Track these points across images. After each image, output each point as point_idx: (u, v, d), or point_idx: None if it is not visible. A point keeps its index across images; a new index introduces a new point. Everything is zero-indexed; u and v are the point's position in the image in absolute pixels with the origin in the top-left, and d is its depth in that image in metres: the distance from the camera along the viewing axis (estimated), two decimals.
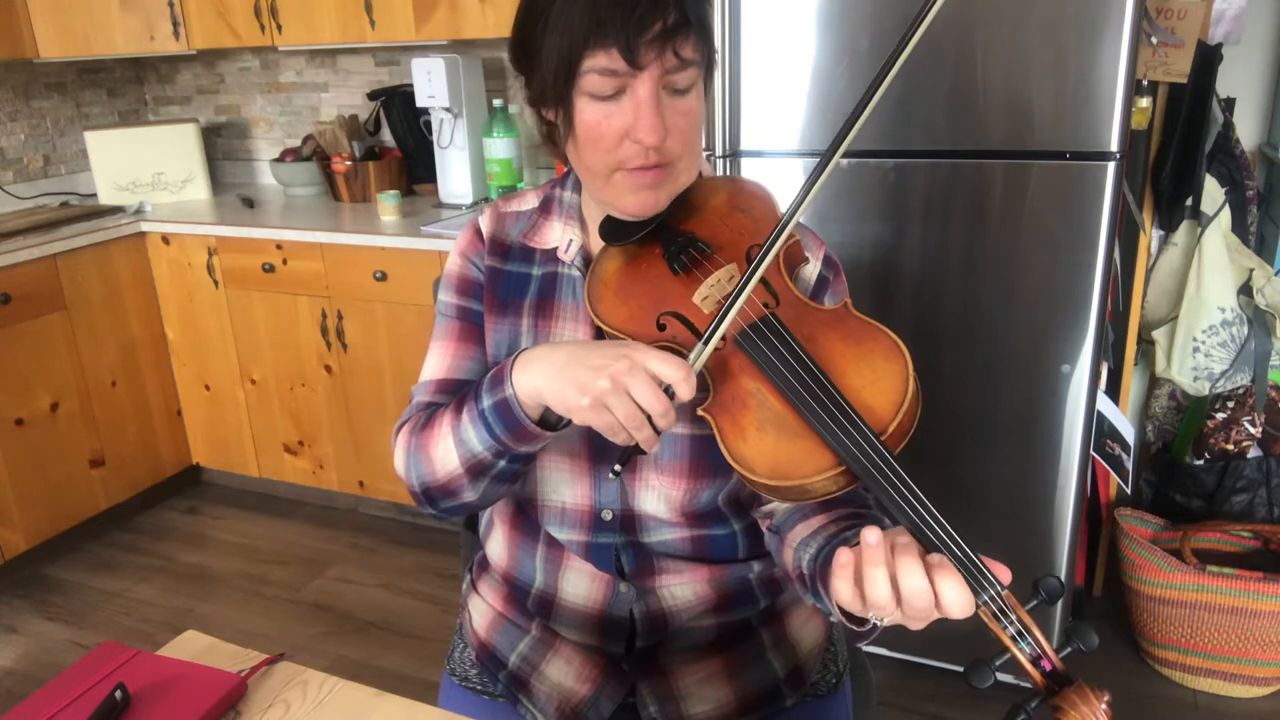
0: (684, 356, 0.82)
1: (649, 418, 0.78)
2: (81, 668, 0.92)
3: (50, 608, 2.58)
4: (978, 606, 0.71)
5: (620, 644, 1.04)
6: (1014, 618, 0.70)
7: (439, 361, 1.04)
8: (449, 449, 0.92)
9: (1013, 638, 0.70)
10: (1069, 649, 0.71)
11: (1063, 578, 1.91)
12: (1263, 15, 2.12)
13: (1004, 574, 0.71)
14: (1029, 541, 1.90)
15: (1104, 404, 2.07)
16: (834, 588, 0.73)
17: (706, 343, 0.82)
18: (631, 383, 0.78)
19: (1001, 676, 0.72)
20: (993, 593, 0.70)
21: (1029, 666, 0.70)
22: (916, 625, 0.73)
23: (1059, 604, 1.93)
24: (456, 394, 0.98)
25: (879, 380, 0.79)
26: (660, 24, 0.82)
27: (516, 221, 1.05)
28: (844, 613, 0.80)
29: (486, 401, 0.88)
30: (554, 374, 0.82)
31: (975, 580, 0.70)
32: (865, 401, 0.78)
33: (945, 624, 0.75)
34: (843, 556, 0.72)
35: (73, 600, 2.61)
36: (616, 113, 0.86)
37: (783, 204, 0.98)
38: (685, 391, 0.78)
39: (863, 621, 0.80)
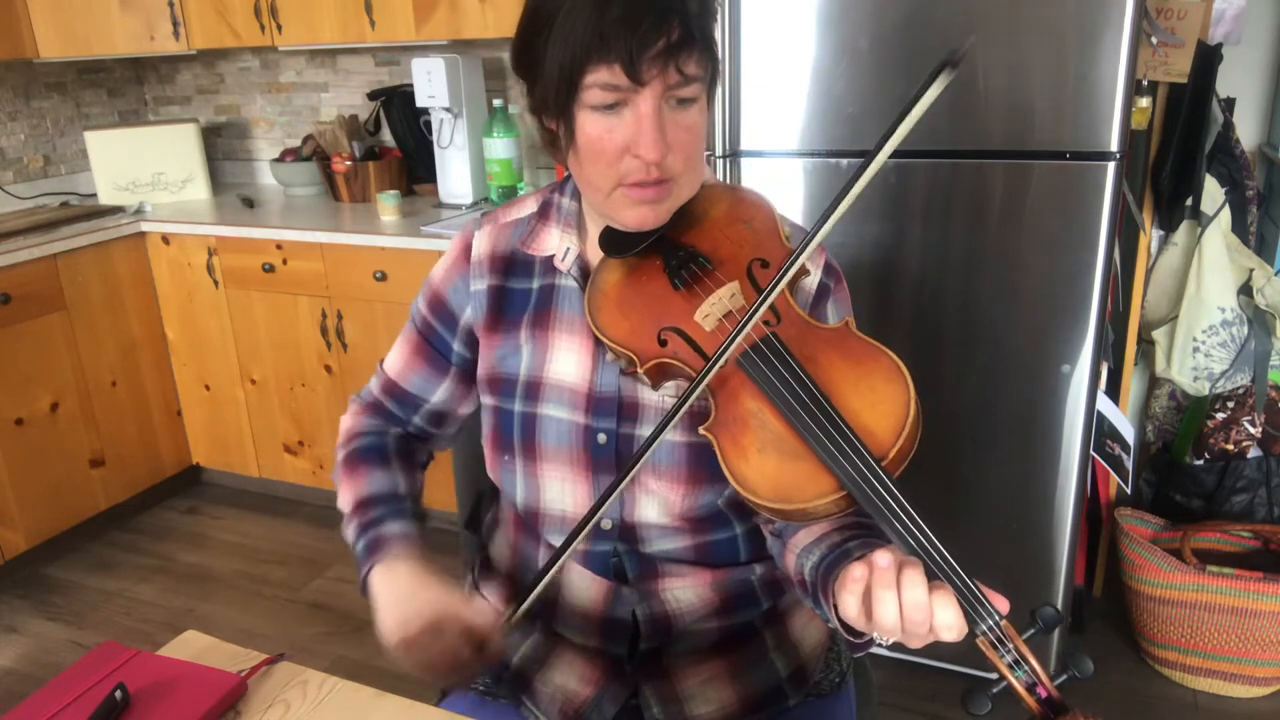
0: (688, 370, 0.82)
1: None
2: (81, 668, 0.92)
3: (50, 608, 2.58)
4: (976, 636, 0.71)
5: (623, 646, 1.04)
6: (1011, 646, 0.71)
7: (394, 362, 1.11)
8: (344, 510, 1.05)
9: (1010, 665, 0.71)
10: (1065, 676, 0.72)
11: (1063, 578, 1.91)
12: (1263, 15, 2.12)
13: (1002, 604, 0.72)
14: (1029, 541, 1.90)
15: (1104, 404, 2.07)
16: (843, 601, 0.74)
17: (536, 586, 0.87)
18: (439, 637, 0.85)
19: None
20: (991, 622, 0.71)
21: (1025, 694, 0.71)
22: (915, 643, 0.73)
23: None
24: (401, 401, 1.10)
25: (880, 403, 0.79)
26: (664, 40, 0.81)
27: (515, 229, 1.04)
28: (843, 624, 0.80)
29: (359, 550, 1.00)
30: (389, 601, 0.92)
31: (974, 609, 0.71)
32: (866, 425, 0.78)
33: None
34: (856, 571, 0.72)
35: (73, 600, 2.61)
36: (618, 127, 0.85)
37: (781, 209, 0.98)
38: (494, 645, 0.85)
39: (860, 634, 0.80)
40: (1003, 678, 0.71)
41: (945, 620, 0.70)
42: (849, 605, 0.73)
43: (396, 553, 0.96)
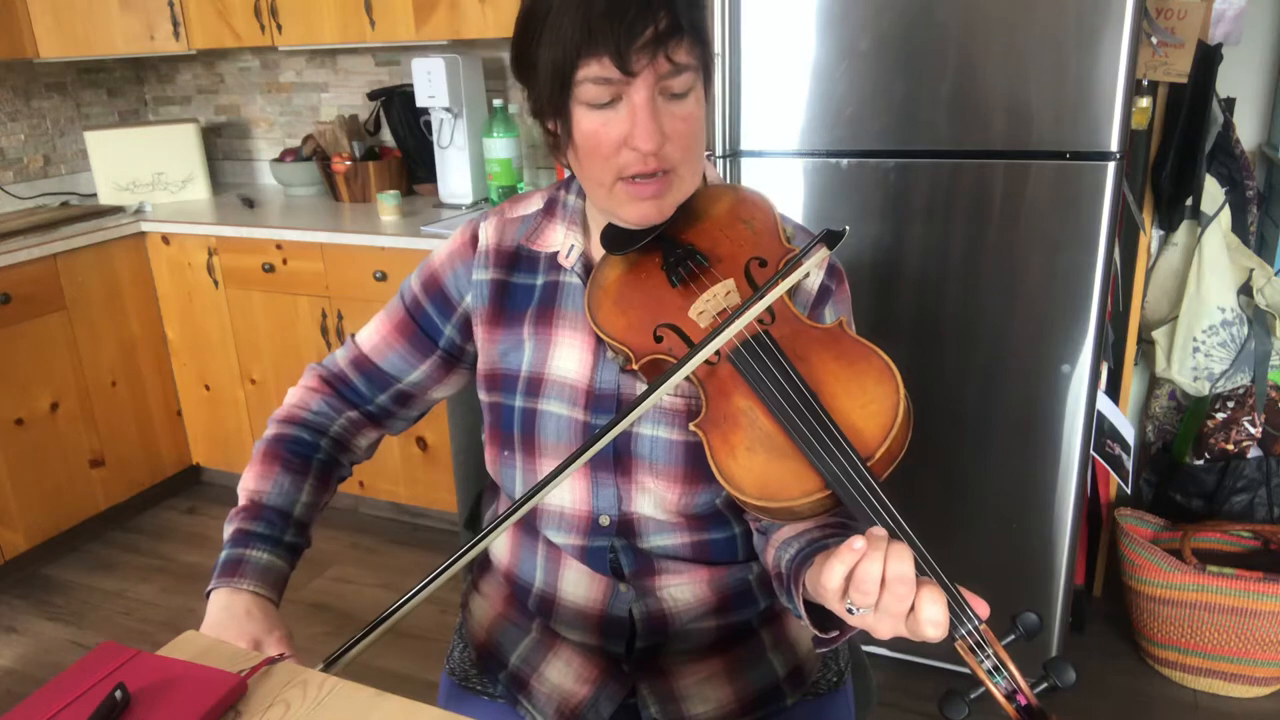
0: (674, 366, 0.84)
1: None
2: (81, 668, 0.92)
3: (50, 608, 2.58)
4: (955, 639, 0.71)
5: (620, 644, 1.04)
6: (990, 652, 0.71)
7: (371, 337, 1.10)
8: (239, 492, 1.06)
9: (989, 672, 0.71)
10: (1045, 685, 0.71)
11: (1063, 578, 1.91)
12: (1263, 15, 2.12)
13: (982, 608, 0.72)
14: (1029, 541, 1.90)
15: (1104, 404, 2.07)
16: (831, 568, 0.73)
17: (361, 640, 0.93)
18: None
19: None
20: (970, 626, 0.71)
21: (1003, 701, 0.70)
22: (885, 626, 0.72)
23: (1056, 614, 1.93)
24: (370, 378, 1.09)
25: (869, 403, 0.79)
26: (651, 29, 0.82)
27: (521, 225, 1.05)
28: (812, 616, 0.80)
29: (221, 556, 1.01)
30: (214, 619, 0.97)
31: (954, 612, 0.71)
32: (854, 424, 0.78)
33: None
34: (856, 543, 0.71)
35: (73, 600, 2.61)
36: (614, 120, 0.86)
37: (781, 209, 0.98)
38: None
39: (828, 627, 0.80)
40: (981, 683, 0.71)
41: (931, 616, 0.69)
42: (835, 574, 0.72)
43: (247, 583, 0.99)
